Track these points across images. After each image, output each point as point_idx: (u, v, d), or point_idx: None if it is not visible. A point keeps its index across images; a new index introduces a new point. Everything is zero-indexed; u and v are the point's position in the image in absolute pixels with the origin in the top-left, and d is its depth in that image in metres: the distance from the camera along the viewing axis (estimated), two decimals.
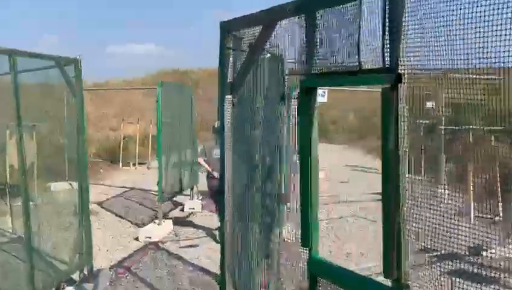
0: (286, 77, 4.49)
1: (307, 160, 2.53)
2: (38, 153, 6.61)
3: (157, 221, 9.24)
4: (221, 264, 3.62)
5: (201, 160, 9.02)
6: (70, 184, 7.02)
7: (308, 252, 2.59)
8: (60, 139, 6.75)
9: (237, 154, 3.51)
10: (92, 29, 65.23)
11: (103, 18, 68.85)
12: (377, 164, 17.12)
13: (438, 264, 6.97)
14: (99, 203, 11.51)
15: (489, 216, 10.16)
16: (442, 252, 7.77)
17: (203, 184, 12.28)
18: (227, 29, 3.24)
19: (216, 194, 8.34)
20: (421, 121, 3.44)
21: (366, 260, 7.52)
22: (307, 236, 2.53)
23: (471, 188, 10.92)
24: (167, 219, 9.73)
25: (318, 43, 2.45)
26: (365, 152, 23.69)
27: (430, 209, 2.91)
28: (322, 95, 5.06)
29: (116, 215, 10.57)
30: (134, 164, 18.09)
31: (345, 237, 8.78)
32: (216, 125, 8.91)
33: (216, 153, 8.29)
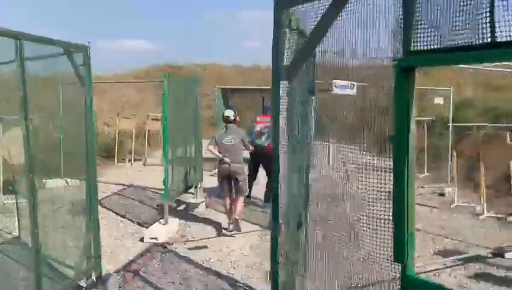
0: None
1: (403, 160, 2.06)
2: (33, 148, 6.12)
3: (162, 221, 8.74)
4: (273, 270, 3.15)
5: (211, 147, 8.85)
6: (66, 181, 6.55)
7: (400, 268, 2.12)
8: (56, 133, 6.24)
9: (288, 149, 3.04)
10: (81, 24, 64.12)
11: (94, 13, 67.76)
12: (375, 161, 16.58)
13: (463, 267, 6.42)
14: (98, 202, 10.96)
15: (499, 215, 9.88)
16: (465, 255, 7.21)
17: (207, 181, 11.86)
18: (284, 4, 2.76)
19: (227, 179, 8.75)
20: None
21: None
22: (402, 251, 2.07)
23: (484, 187, 10.55)
24: (172, 218, 9.22)
25: (421, 13, 1.98)
26: (358, 149, 23.27)
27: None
28: (351, 88, 4.60)
29: (117, 214, 10.04)
30: (129, 160, 17.53)
31: None
32: (226, 114, 8.96)
33: (226, 140, 8.69)
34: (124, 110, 24.25)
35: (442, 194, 12.09)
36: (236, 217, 8.81)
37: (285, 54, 2.90)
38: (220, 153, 8.73)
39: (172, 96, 8.79)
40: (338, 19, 2.50)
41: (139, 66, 32.75)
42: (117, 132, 17.78)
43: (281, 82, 2.90)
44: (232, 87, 17.69)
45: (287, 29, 2.81)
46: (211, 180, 13.03)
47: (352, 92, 5.65)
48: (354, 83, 5.30)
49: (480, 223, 9.51)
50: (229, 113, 8.97)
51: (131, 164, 17.24)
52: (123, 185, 13.07)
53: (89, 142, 5.76)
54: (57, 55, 5.14)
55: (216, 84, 29.06)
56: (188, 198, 10.64)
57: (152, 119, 18.31)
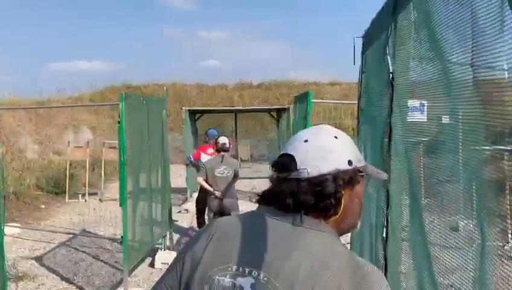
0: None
1: None
2: None
3: None
4: None
5: (200, 179, 7.92)
6: None
7: None
8: None
9: None
10: (33, 46, 60.76)
11: (46, 34, 64.51)
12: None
13: None
14: (38, 259, 8.57)
15: None
16: None
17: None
18: None
19: (218, 215, 7.40)
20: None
21: None
22: None
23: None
24: (134, 287, 6.94)
25: None
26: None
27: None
28: (421, 110, 2.74)
29: (62, 278, 7.62)
30: (83, 195, 15.05)
31: None
32: (222, 141, 7.92)
33: (219, 171, 7.69)
34: (78, 135, 21.80)
35: (454, 229, 10.17)
36: None
37: None
38: (209, 184, 7.72)
39: (132, 122, 6.59)
40: None
41: (95, 87, 30.28)
42: (68, 162, 15.31)
43: None
44: (202, 108, 15.54)
45: None
46: (178, 219, 10.90)
47: (423, 116, 3.61)
48: (424, 102, 3.29)
49: None
50: (225, 140, 8.02)
51: (86, 200, 14.74)
52: (73, 233, 10.59)
53: None
54: None
55: (177, 103, 26.97)
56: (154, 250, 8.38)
57: (109, 147, 15.92)
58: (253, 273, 1.37)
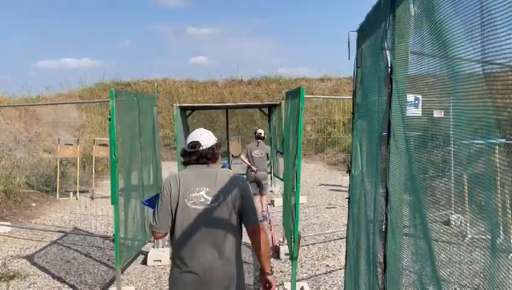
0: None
1: None
2: None
3: None
4: None
5: (243, 157, 10.90)
6: None
7: None
8: None
9: None
10: (22, 44, 60.11)
11: (34, 32, 63.85)
12: (345, 180, 14.34)
13: None
14: (29, 258, 8.48)
15: None
16: None
17: None
18: None
19: (255, 183, 10.46)
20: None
21: None
22: None
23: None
24: (126, 285, 6.88)
25: None
26: (325, 166, 21.46)
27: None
28: (416, 104, 2.68)
29: (54, 277, 7.56)
30: (74, 192, 14.94)
31: None
32: (259, 131, 11.06)
33: (256, 153, 10.73)
34: (68, 133, 21.66)
35: (446, 223, 10.16)
36: (263, 211, 10.43)
37: None
38: (249, 162, 10.67)
39: (123, 119, 6.52)
40: None
41: (85, 85, 30.05)
42: (58, 160, 15.19)
43: None
44: (193, 105, 15.43)
45: None
46: None
47: (418, 111, 3.57)
48: (419, 96, 3.23)
49: None
50: (261, 131, 11.11)
51: (77, 198, 14.64)
52: (64, 231, 10.50)
53: None
54: None
55: (167, 100, 26.81)
56: (147, 247, 8.31)
57: (99, 145, 15.80)
58: (203, 189, 3.34)
